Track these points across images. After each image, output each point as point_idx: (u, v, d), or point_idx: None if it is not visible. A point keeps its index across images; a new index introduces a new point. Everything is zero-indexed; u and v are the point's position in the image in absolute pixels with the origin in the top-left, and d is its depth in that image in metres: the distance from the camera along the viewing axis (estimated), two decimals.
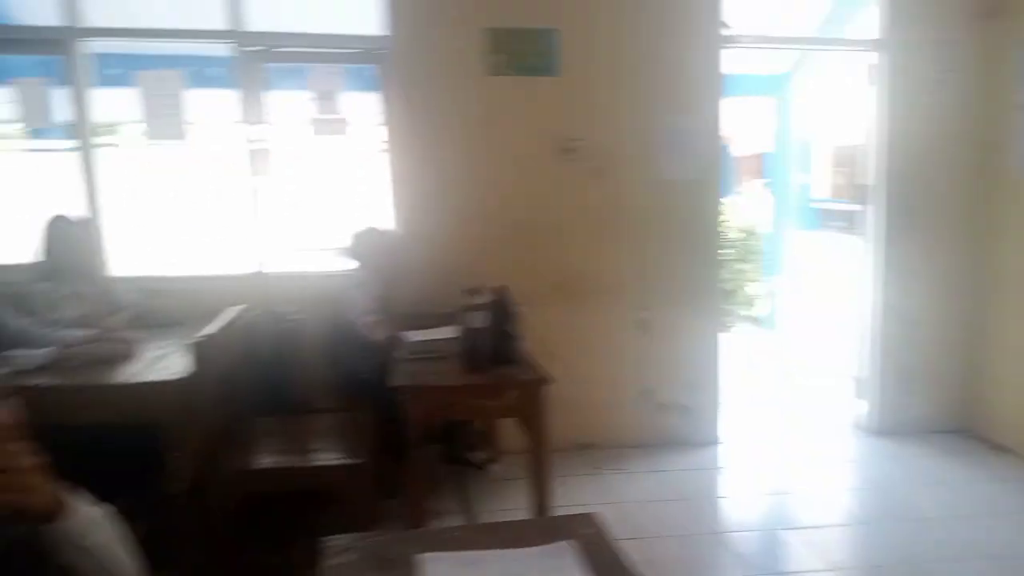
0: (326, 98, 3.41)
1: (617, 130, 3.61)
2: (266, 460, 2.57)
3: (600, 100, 3.58)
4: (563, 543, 1.24)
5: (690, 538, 2.88)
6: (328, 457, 2.57)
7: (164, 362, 2.53)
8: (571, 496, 3.01)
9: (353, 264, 3.20)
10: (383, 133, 3.57)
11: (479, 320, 2.37)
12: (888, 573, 2.67)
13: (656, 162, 3.66)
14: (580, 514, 1.33)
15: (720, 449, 3.81)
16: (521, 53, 3.48)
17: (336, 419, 2.87)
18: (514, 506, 3.05)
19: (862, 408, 4.10)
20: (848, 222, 5.55)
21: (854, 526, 3.09)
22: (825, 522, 3.07)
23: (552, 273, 3.63)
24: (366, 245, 3.18)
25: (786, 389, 5.00)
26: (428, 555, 1.24)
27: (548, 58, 3.50)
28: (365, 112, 3.55)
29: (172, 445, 2.36)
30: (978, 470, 3.56)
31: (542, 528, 1.33)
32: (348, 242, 3.21)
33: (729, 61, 3.67)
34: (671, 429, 3.82)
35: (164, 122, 3.29)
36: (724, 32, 3.63)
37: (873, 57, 3.86)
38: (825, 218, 5.95)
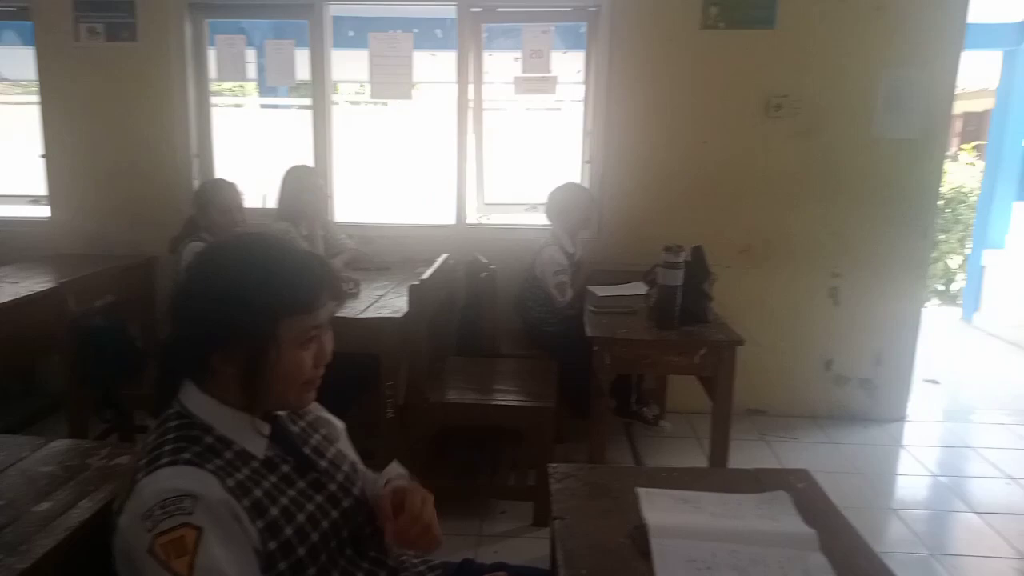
0: (536, 57, 3.56)
1: (831, 85, 3.46)
2: (462, 396, 2.83)
3: (816, 53, 3.44)
4: (780, 492, 1.33)
5: (864, 511, 2.83)
6: (517, 398, 2.78)
7: (383, 301, 2.87)
8: (739, 459, 2.96)
9: (548, 221, 3.38)
10: (585, 90, 3.68)
11: (675, 277, 2.46)
12: None
13: (872, 120, 3.47)
14: (794, 469, 1.41)
15: (905, 427, 3.66)
16: (737, 4, 3.40)
17: (522, 365, 3.09)
18: (683, 463, 3.15)
19: None
20: None
21: None
22: (1017, 509, 2.90)
23: (741, 236, 3.61)
24: (561, 203, 3.33)
25: (983, 370, 4.65)
26: (646, 489, 1.36)
27: (766, 8, 3.40)
28: (569, 70, 3.67)
29: (387, 375, 2.69)
30: None
31: (753, 478, 1.42)
32: (545, 200, 3.38)
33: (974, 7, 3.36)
34: (850, 403, 3.72)
35: (392, 81, 3.60)
36: None
37: None
38: None
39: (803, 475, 1.41)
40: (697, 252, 2.60)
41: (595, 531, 1.26)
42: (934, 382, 4.29)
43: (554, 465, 1.49)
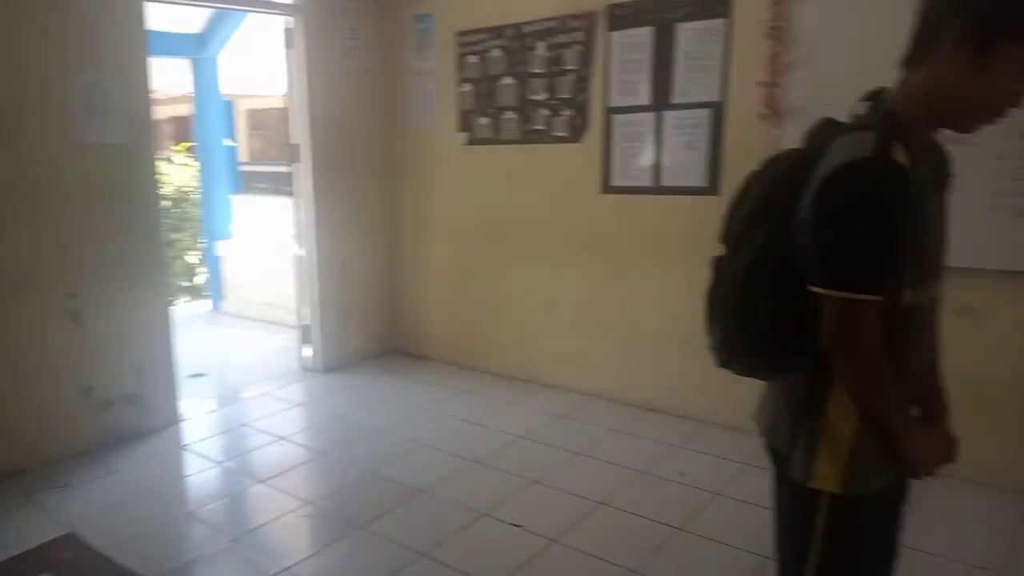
0: None
1: (18, 89, 2.99)
2: None
3: None
4: None
5: (161, 529, 2.67)
6: None
7: None
8: (3, 541, 2.19)
9: None
10: None
11: None
12: (353, 490, 3.03)
13: (72, 126, 3.18)
14: (56, 538, 1.15)
15: (183, 427, 3.67)
16: None
17: None
18: None
19: (309, 352, 4.51)
20: (272, 183, 5.86)
21: (317, 459, 3.38)
22: (292, 464, 3.29)
23: None
24: None
25: (239, 350, 5.09)
26: None
27: None
28: None
29: None
30: (408, 380, 4.37)
31: (7, 574, 1.10)
32: None
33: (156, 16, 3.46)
34: (121, 424, 3.46)
35: None
36: None
37: (290, 21, 4.13)
38: (250, 180, 6.11)
39: (68, 542, 1.18)
40: None
41: None
42: (201, 375, 4.44)
43: None
